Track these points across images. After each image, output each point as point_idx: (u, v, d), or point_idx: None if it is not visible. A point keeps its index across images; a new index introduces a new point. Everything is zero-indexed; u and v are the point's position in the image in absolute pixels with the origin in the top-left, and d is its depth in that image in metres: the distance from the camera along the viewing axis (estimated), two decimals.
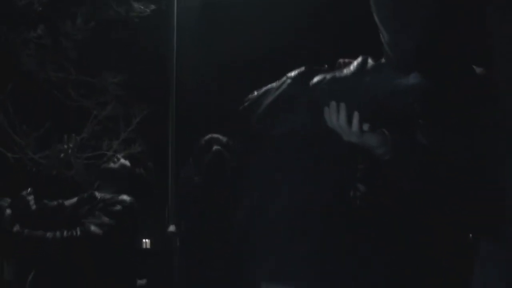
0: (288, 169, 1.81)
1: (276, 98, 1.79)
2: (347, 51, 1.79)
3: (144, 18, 6.58)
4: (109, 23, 6.47)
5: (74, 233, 2.32)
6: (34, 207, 2.49)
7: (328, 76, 1.66)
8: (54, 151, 2.71)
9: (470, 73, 1.57)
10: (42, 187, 2.61)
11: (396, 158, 1.65)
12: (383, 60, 1.54)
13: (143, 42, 7.27)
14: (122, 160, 2.75)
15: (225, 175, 2.71)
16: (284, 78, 1.81)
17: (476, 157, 1.56)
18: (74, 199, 2.63)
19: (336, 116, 1.60)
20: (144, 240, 12.63)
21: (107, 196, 2.55)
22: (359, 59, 1.61)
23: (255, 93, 1.90)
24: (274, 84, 1.84)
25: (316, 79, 1.69)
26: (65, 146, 2.67)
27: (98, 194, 2.57)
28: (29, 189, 2.52)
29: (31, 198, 2.49)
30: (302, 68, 1.79)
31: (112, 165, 2.72)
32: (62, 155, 2.66)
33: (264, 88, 1.87)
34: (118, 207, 2.47)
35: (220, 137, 2.86)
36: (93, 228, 2.35)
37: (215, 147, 2.79)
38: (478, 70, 1.57)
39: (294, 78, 1.78)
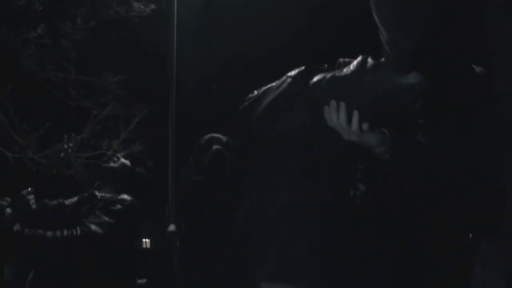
0: (288, 168, 1.81)
1: (276, 97, 1.79)
2: (347, 51, 1.79)
3: (144, 18, 6.58)
4: (109, 23, 6.47)
5: (74, 232, 2.32)
6: (34, 206, 2.48)
7: (328, 75, 1.66)
8: (54, 150, 2.71)
9: (470, 73, 1.57)
10: (42, 187, 2.61)
11: (395, 157, 1.66)
12: (382, 60, 1.55)
13: (143, 42, 7.27)
14: (122, 160, 2.75)
15: (225, 175, 2.70)
16: (284, 77, 1.81)
17: (476, 157, 1.56)
18: (74, 199, 2.63)
19: (336, 115, 1.60)
20: (144, 240, 12.63)
21: (107, 195, 2.55)
22: (359, 59, 1.61)
23: (255, 92, 1.90)
24: (274, 84, 1.85)
25: (316, 78, 1.69)
26: (65, 146, 2.67)
27: (98, 194, 2.57)
28: (29, 188, 2.51)
29: (31, 197, 2.49)
30: (302, 67, 1.79)
31: (112, 164, 2.72)
32: (62, 154, 2.65)
33: (264, 88, 1.87)
34: (118, 206, 2.47)
35: (220, 136, 2.85)
36: (93, 227, 2.35)
37: (215, 147, 2.79)
38: (477, 69, 1.57)
39: (294, 77, 1.78)
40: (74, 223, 2.37)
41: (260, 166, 1.88)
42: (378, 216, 1.88)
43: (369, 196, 1.88)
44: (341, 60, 1.82)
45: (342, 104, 1.59)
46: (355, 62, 1.61)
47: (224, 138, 2.84)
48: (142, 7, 6.50)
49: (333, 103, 1.60)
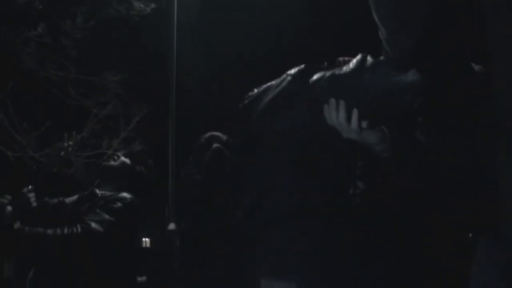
0: (287, 167, 1.81)
1: (276, 96, 1.79)
2: (347, 51, 1.79)
3: (144, 17, 6.59)
4: (109, 22, 6.48)
5: (75, 230, 2.32)
6: (34, 204, 2.49)
7: (328, 73, 1.67)
8: (55, 149, 2.71)
9: (469, 72, 1.58)
10: (42, 186, 2.61)
11: (395, 156, 1.66)
12: (382, 58, 1.55)
13: (143, 41, 7.28)
14: (123, 158, 2.76)
15: (225, 173, 2.70)
16: (284, 76, 1.81)
17: (476, 157, 1.56)
18: (75, 197, 2.64)
19: (335, 114, 1.61)
20: (144, 239, 12.63)
21: (108, 193, 2.55)
22: (358, 57, 1.62)
23: (255, 90, 1.90)
24: (274, 82, 1.85)
25: (315, 76, 1.70)
26: (66, 144, 2.67)
27: (98, 192, 2.57)
28: (30, 186, 2.52)
29: (32, 195, 2.49)
30: (302, 66, 1.79)
31: (112, 163, 2.72)
32: (62, 153, 2.66)
33: (264, 86, 1.87)
34: (119, 204, 2.47)
35: (220, 135, 2.85)
36: (93, 225, 2.35)
37: (215, 145, 2.78)
38: (476, 67, 1.57)
39: (293, 76, 1.78)
40: (74, 221, 2.37)
41: (260, 165, 1.88)
42: (377, 215, 1.88)
43: (368, 194, 1.89)
44: (340, 58, 1.82)
45: (342, 102, 1.59)
46: (354, 61, 1.62)
47: (224, 136, 2.84)
48: (142, 6, 6.51)
49: (332, 101, 1.61)
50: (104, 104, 6.55)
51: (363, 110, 1.59)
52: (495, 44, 1.24)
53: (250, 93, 1.92)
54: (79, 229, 2.33)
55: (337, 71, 1.65)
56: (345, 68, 1.63)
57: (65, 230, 2.32)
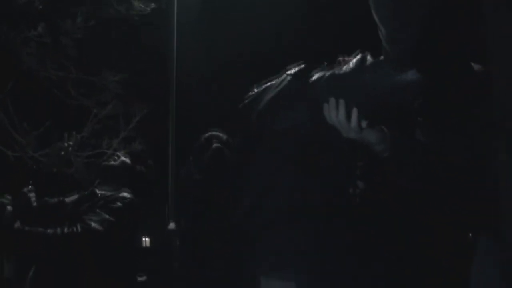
0: (287, 166, 1.82)
1: (276, 95, 1.79)
2: (347, 51, 1.79)
3: (144, 16, 6.58)
4: (109, 21, 6.48)
5: (75, 230, 2.33)
6: (35, 204, 2.49)
7: (328, 73, 1.67)
8: (55, 148, 2.72)
9: (469, 72, 1.58)
10: (42, 185, 2.62)
11: (395, 155, 1.66)
12: (381, 58, 1.55)
13: (143, 41, 7.28)
14: (123, 158, 2.76)
15: (225, 173, 2.70)
16: (284, 75, 1.82)
17: (476, 157, 1.57)
18: (75, 196, 2.64)
19: (335, 113, 1.61)
20: (143, 239, 12.61)
21: (108, 193, 2.56)
22: (358, 56, 1.62)
23: (255, 90, 1.90)
24: (274, 81, 1.85)
25: (315, 76, 1.70)
26: (66, 144, 2.68)
27: (98, 191, 2.58)
28: (30, 186, 2.52)
29: (32, 195, 2.50)
30: (302, 65, 1.80)
31: (112, 162, 2.73)
32: (62, 152, 2.66)
33: (264, 85, 1.88)
34: (119, 204, 2.47)
35: (220, 134, 2.85)
36: (93, 224, 2.36)
37: (215, 145, 2.78)
38: (476, 67, 1.58)
39: (294, 75, 1.78)
40: (74, 221, 2.38)
41: (260, 164, 1.88)
42: (377, 215, 1.88)
43: (368, 194, 1.89)
44: (340, 58, 1.82)
45: (342, 101, 1.59)
46: (354, 60, 1.62)
47: (224, 136, 2.84)
48: (142, 5, 6.51)
49: (332, 100, 1.61)
50: (104, 103, 6.55)
51: (363, 110, 1.59)
52: (495, 44, 1.24)
53: (250, 93, 1.92)
54: (79, 229, 2.33)
55: (337, 71, 1.65)
56: (345, 68, 1.63)
57: (65, 230, 2.33)
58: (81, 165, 5.65)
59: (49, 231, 2.33)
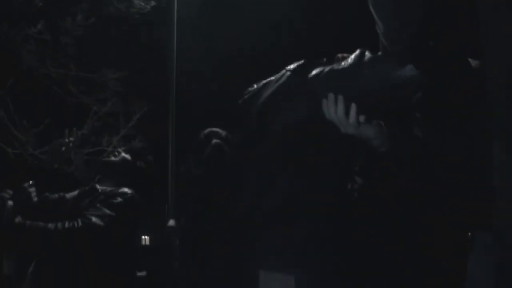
0: (287, 162, 1.82)
1: (275, 91, 1.80)
2: (346, 50, 1.80)
3: (144, 14, 6.59)
4: (109, 19, 6.48)
5: (75, 225, 2.33)
6: (35, 199, 2.50)
7: (327, 68, 1.67)
8: (55, 145, 2.72)
9: (469, 72, 1.58)
10: (42, 183, 2.62)
11: (392, 150, 1.67)
12: (380, 53, 1.56)
13: (143, 39, 7.29)
14: (123, 154, 2.77)
15: (225, 172, 2.70)
16: (283, 71, 1.82)
17: (475, 157, 1.57)
18: (75, 192, 2.64)
19: (334, 108, 1.61)
20: (143, 237, 12.61)
21: (108, 188, 2.56)
22: (357, 52, 1.62)
23: (255, 86, 1.91)
24: (273, 77, 1.86)
25: (314, 71, 1.70)
26: (66, 140, 2.68)
27: (99, 187, 2.58)
28: (31, 181, 2.52)
29: (32, 190, 2.50)
30: (301, 61, 1.80)
31: (113, 158, 2.73)
32: (63, 148, 2.67)
33: (263, 81, 1.88)
34: (119, 199, 2.48)
35: (220, 130, 2.84)
36: (94, 219, 2.36)
37: (214, 141, 2.78)
38: (474, 63, 1.58)
39: (293, 71, 1.79)
40: (75, 216, 2.38)
41: (259, 160, 1.89)
42: (377, 215, 1.88)
43: (366, 189, 1.89)
44: (339, 55, 1.83)
45: (340, 97, 1.60)
46: (353, 56, 1.63)
47: (223, 132, 2.83)
48: (142, 3, 6.51)
49: (331, 96, 1.62)
50: (104, 101, 6.55)
51: (361, 105, 1.60)
52: (495, 44, 1.24)
53: (250, 89, 1.92)
54: (80, 224, 2.33)
55: (335, 66, 1.66)
56: (343, 63, 1.64)
57: (66, 225, 2.33)
58: (81, 163, 5.65)
59: (50, 226, 2.32)
